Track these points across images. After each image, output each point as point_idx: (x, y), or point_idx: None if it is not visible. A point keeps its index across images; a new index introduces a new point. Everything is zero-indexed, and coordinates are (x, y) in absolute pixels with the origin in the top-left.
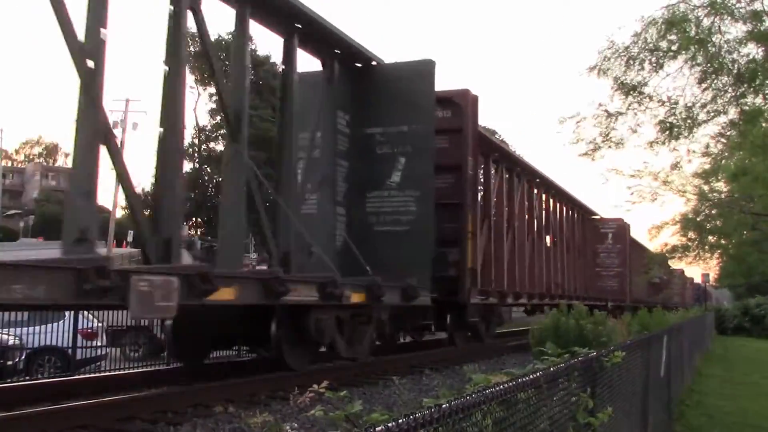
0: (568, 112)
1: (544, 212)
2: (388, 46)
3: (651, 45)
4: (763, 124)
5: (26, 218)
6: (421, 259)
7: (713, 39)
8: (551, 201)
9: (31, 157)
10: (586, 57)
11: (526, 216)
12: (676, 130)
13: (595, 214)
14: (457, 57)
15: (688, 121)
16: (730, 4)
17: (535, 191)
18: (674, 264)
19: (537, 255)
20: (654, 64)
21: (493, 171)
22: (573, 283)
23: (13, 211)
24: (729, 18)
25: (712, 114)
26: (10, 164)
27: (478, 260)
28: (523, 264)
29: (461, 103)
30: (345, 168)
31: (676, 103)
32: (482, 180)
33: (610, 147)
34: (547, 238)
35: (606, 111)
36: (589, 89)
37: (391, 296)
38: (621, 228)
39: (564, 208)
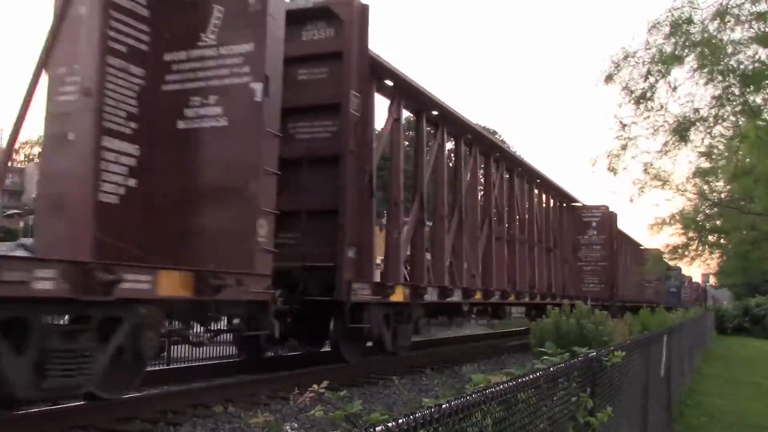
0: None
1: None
2: (391, 46)
3: (657, 49)
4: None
5: (26, 218)
6: None
7: (719, 40)
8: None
9: (31, 157)
10: (584, 59)
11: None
12: (686, 133)
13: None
14: (460, 55)
15: (699, 123)
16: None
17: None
18: (673, 263)
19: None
20: (661, 69)
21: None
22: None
23: (13, 211)
24: (733, 20)
25: (719, 118)
26: (9, 164)
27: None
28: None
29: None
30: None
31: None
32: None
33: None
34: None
35: (620, 122)
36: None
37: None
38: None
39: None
